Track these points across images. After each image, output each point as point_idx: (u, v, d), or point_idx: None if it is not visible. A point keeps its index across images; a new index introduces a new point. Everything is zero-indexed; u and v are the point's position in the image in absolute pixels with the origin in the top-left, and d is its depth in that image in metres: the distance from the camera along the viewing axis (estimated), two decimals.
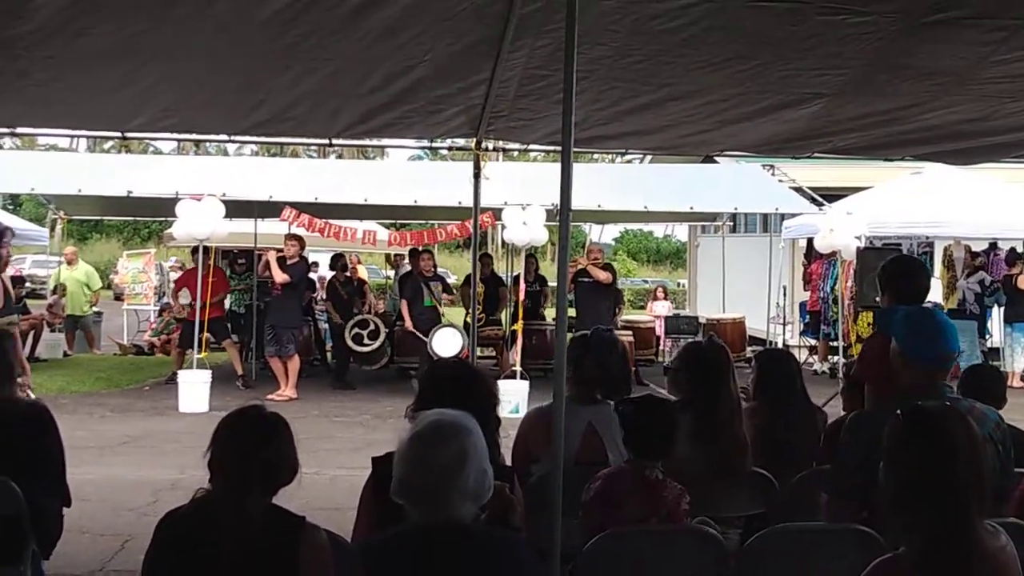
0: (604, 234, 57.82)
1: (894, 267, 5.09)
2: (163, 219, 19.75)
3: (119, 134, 6.87)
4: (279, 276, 13.83)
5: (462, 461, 2.95)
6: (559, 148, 7.04)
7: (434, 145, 7.16)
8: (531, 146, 7.18)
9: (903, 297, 4.84)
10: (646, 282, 53.49)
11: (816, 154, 7.10)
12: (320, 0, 4.44)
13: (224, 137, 7.05)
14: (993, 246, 17.89)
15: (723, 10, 4.53)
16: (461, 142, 7.09)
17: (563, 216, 3.93)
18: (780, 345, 17.81)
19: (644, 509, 4.02)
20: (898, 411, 2.96)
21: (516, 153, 11.09)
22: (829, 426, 5.30)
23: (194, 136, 7.77)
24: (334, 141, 7.09)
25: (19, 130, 7.06)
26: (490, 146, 7.23)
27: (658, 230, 62.01)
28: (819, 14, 4.55)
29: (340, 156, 23.17)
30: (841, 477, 3.95)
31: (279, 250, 14.03)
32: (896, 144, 6.72)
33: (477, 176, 7.44)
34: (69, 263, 19.53)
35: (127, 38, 4.78)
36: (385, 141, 7.24)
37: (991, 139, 6.42)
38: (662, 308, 20.65)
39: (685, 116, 6.08)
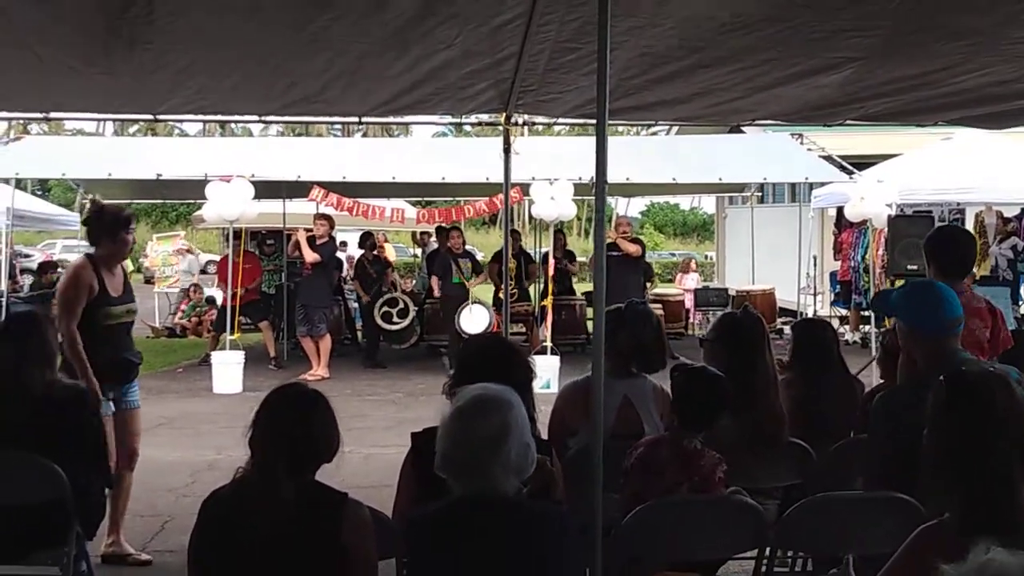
0: (631, 207, 57.93)
1: (937, 238, 5.07)
2: (192, 201, 19.89)
3: (151, 116, 6.92)
4: (309, 256, 13.90)
5: (504, 435, 2.98)
6: (588, 121, 7.09)
7: (462, 121, 7.14)
8: (559, 120, 7.15)
9: (947, 268, 4.84)
10: (673, 255, 53.39)
11: (847, 121, 7.04)
12: None
13: (255, 117, 7.07)
14: None
15: None
16: (489, 117, 7.06)
17: (599, 189, 3.93)
18: (811, 315, 17.72)
19: (679, 477, 4.03)
20: (941, 377, 2.96)
21: (541, 128, 11.06)
22: (865, 396, 5.29)
23: (224, 117, 7.78)
24: (363, 119, 7.11)
25: (52, 115, 7.11)
26: (520, 120, 7.20)
27: (684, 203, 61.87)
28: None
29: (365, 135, 23.19)
30: (872, 464, 4.04)
31: (308, 230, 14.08)
32: (928, 109, 6.66)
33: (507, 151, 7.41)
34: None
35: (159, 23, 4.80)
36: (412, 118, 7.22)
37: (1022, 102, 6.34)
38: (692, 281, 20.60)
39: (715, 83, 6.02)
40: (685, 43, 5.31)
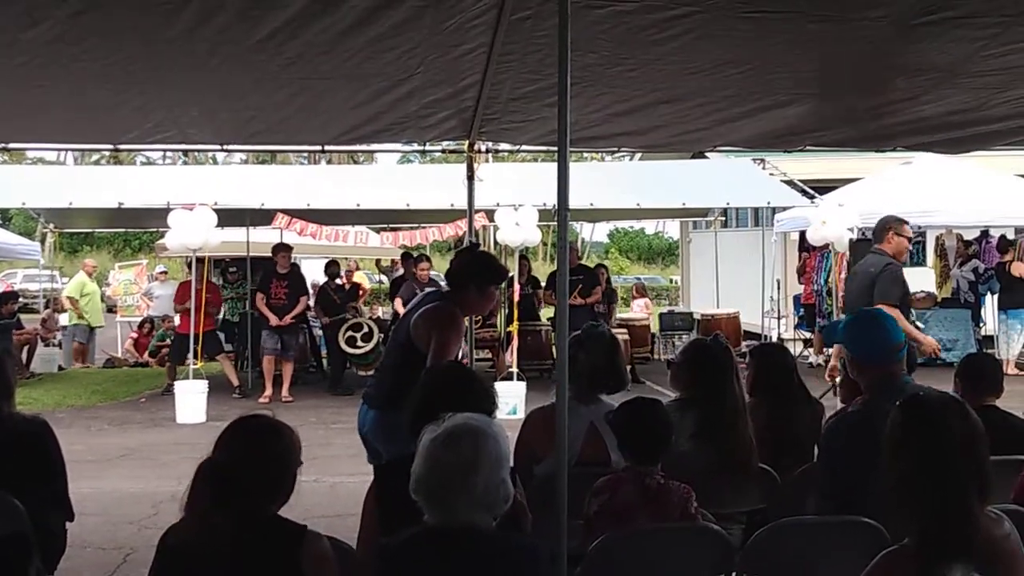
0: (595, 232, 58.16)
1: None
2: (155, 229, 19.77)
3: (111, 146, 6.90)
4: (273, 319, 14.24)
5: (473, 467, 2.95)
6: (552, 148, 7.13)
7: (426, 148, 7.14)
8: (523, 148, 7.19)
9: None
10: (639, 279, 53.61)
11: (808, 147, 7.14)
12: (310, 22, 4.45)
13: (216, 146, 7.07)
14: (985, 234, 17.93)
15: (715, 20, 4.55)
16: (453, 144, 7.09)
17: (561, 218, 3.95)
18: (775, 338, 17.83)
19: (654, 520, 4.01)
20: (897, 402, 3.01)
21: (506, 154, 11.09)
22: (827, 420, 5.32)
23: (186, 146, 7.76)
24: (326, 148, 7.10)
25: (11, 145, 7.07)
26: (483, 148, 7.22)
27: (649, 227, 62.14)
28: (810, 22, 4.58)
29: (330, 161, 23.20)
30: (823, 489, 4.12)
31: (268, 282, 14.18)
32: (888, 135, 6.76)
33: (471, 178, 7.43)
34: (89, 275, 19.59)
35: (119, 61, 4.82)
36: (376, 146, 7.22)
37: (982, 128, 6.46)
38: (639, 307, 20.62)
39: (677, 117, 6.11)
40: (646, 80, 5.37)
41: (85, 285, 19.25)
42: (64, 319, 19.67)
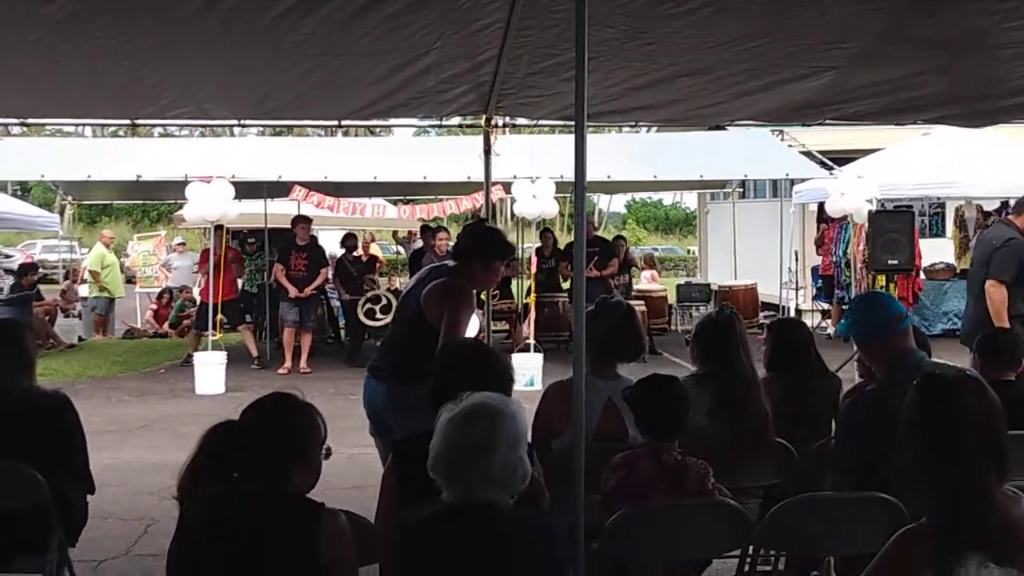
0: (613, 203, 58.00)
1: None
2: (173, 201, 19.82)
3: (128, 122, 6.92)
4: (292, 291, 14.26)
5: (488, 446, 2.96)
6: (569, 123, 7.10)
7: (443, 123, 7.12)
8: (540, 122, 7.17)
9: None
10: (656, 250, 53.51)
11: (828, 120, 7.09)
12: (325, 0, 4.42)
13: (233, 122, 7.08)
14: (1005, 204, 17.75)
15: None
16: (471, 119, 7.07)
17: (578, 195, 3.95)
18: (793, 310, 17.81)
19: (671, 497, 4.03)
20: (914, 382, 3.01)
21: (523, 128, 11.06)
22: (845, 394, 5.33)
23: (203, 122, 7.77)
24: (343, 123, 7.10)
25: (29, 120, 7.09)
26: (500, 122, 7.20)
27: (667, 198, 61.97)
28: None
29: (347, 133, 23.22)
30: (839, 468, 4.16)
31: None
32: (907, 109, 6.70)
33: (488, 152, 7.42)
34: (107, 246, 19.67)
35: (134, 39, 4.81)
36: (393, 120, 7.22)
37: (1003, 101, 6.39)
38: (646, 279, 20.53)
39: (695, 91, 6.08)
40: (664, 55, 5.34)
41: (105, 257, 19.34)
42: (84, 290, 19.78)
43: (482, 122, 7.14)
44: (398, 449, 3.95)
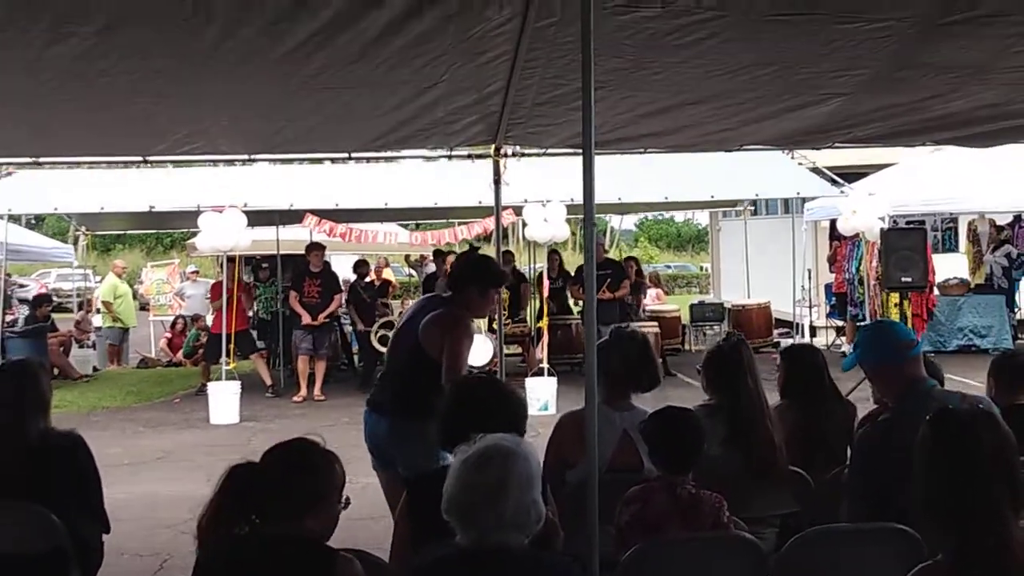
0: (624, 221, 57.99)
1: None
2: (186, 229, 19.90)
3: (141, 159, 6.98)
4: (306, 318, 14.33)
5: (503, 489, 2.96)
6: (578, 151, 7.12)
7: (453, 154, 7.16)
8: (548, 151, 7.20)
9: None
10: (668, 267, 53.47)
11: (836, 144, 7.10)
12: (336, 34, 4.45)
13: (244, 156, 7.12)
14: (1018, 219, 17.79)
15: (739, 24, 4.52)
16: (480, 149, 7.10)
17: (587, 225, 3.96)
18: (807, 327, 17.77)
19: (686, 531, 4.02)
20: (926, 413, 3.01)
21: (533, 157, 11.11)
22: (860, 420, 5.30)
23: (215, 157, 7.84)
24: (353, 155, 7.14)
25: (42, 159, 7.15)
26: (509, 151, 7.23)
27: (678, 215, 61.98)
28: (836, 23, 4.54)
29: (357, 160, 23.35)
30: (853, 499, 4.15)
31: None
32: (916, 131, 6.71)
33: (497, 183, 7.46)
34: (119, 276, 19.78)
35: (146, 76, 4.85)
36: (403, 152, 7.27)
37: (1011, 122, 6.38)
38: (650, 298, 20.46)
39: (704, 117, 6.09)
40: (671, 83, 5.36)
41: (117, 287, 19.43)
42: (97, 320, 19.86)
43: (491, 152, 7.17)
44: (412, 488, 3.95)
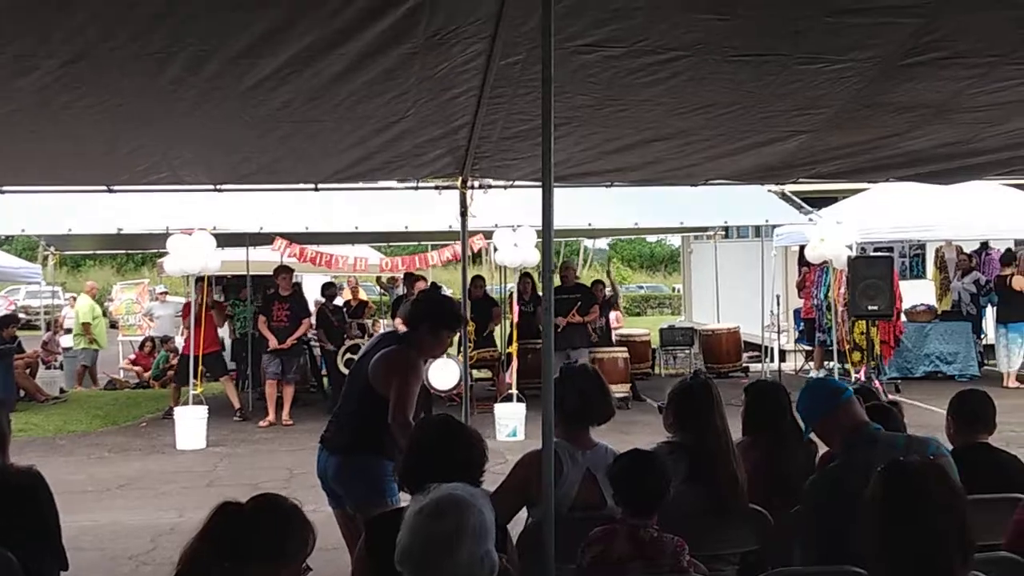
0: (597, 241, 58.16)
1: None
2: (155, 250, 19.82)
3: (105, 188, 6.96)
4: (273, 342, 14.24)
5: (457, 541, 2.94)
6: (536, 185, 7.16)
7: (419, 185, 7.17)
8: (515, 184, 7.23)
9: None
10: (641, 288, 53.59)
11: (800, 180, 7.16)
12: (300, 69, 4.47)
13: (210, 186, 7.10)
14: (985, 246, 17.94)
15: (702, 64, 4.57)
16: (446, 181, 7.13)
17: (545, 260, 3.97)
18: (776, 351, 17.85)
19: (646, 574, 4.02)
20: (879, 468, 3.04)
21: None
22: (821, 458, 5.32)
23: (180, 187, 7.81)
24: (319, 186, 7.14)
25: (5, 188, 7.10)
26: (476, 184, 7.26)
27: (651, 235, 62.22)
28: (796, 64, 4.60)
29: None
30: (808, 532, 4.18)
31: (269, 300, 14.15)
32: (878, 168, 6.78)
33: (464, 214, 7.48)
34: (93, 297, 19.68)
35: (109, 109, 4.84)
36: (369, 184, 7.27)
37: (973, 159, 6.47)
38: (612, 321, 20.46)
39: (668, 154, 6.14)
40: (637, 120, 5.41)
41: (94, 308, 19.38)
42: (66, 341, 19.72)
43: (458, 184, 7.19)
44: (370, 529, 3.93)
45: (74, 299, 22.94)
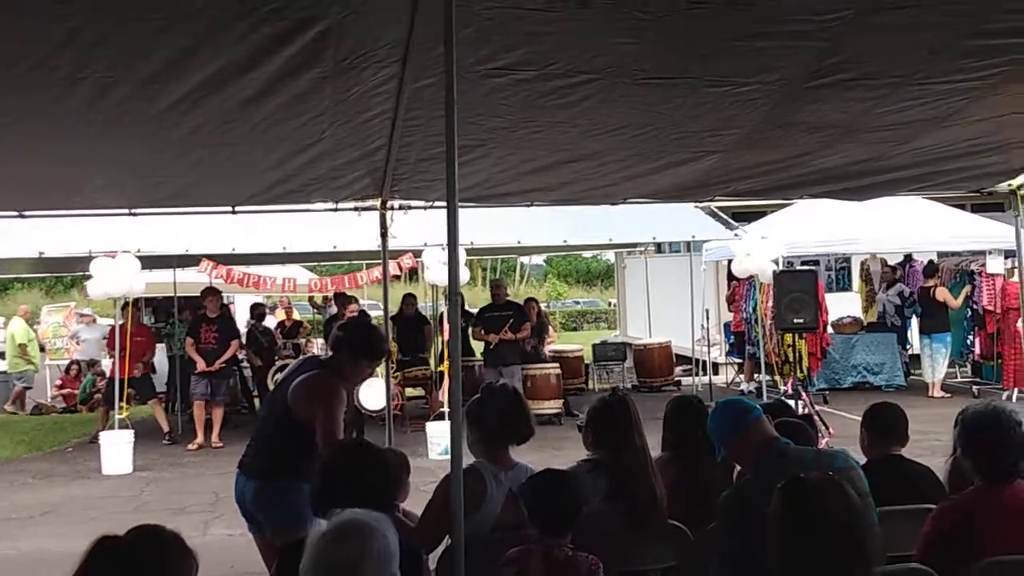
0: (534, 257, 58.39)
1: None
2: (82, 272, 19.53)
3: (16, 214, 6.85)
4: (201, 365, 14.10)
5: (358, 563, 2.95)
6: (466, 205, 7.18)
7: (338, 208, 7.15)
8: (435, 204, 7.23)
9: None
10: (577, 303, 53.76)
11: (717, 198, 7.26)
12: (211, 93, 4.45)
13: (125, 211, 7.02)
14: (908, 258, 18.26)
15: (613, 87, 4.62)
16: (366, 203, 7.11)
17: (451, 295, 3.99)
18: (709, 364, 18.02)
19: None
20: (779, 485, 3.09)
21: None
22: (738, 474, 5.37)
23: (94, 212, 7.70)
24: (237, 210, 7.08)
25: None
26: (396, 205, 7.25)
27: (587, 251, 62.56)
28: (705, 87, 4.67)
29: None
30: (720, 558, 4.18)
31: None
32: (793, 185, 6.89)
33: (384, 235, 7.48)
34: (26, 319, 19.41)
35: (17, 133, 4.77)
36: (288, 206, 7.22)
37: (884, 176, 6.60)
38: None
39: (585, 174, 6.20)
40: (552, 142, 5.45)
41: (28, 331, 19.17)
42: (2, 365, 19.45)
43: (378, 205, 7.18)
44: (283, 555, 3.91)
45: (5, 322, 22.60)
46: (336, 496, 3.73)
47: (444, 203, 7.28)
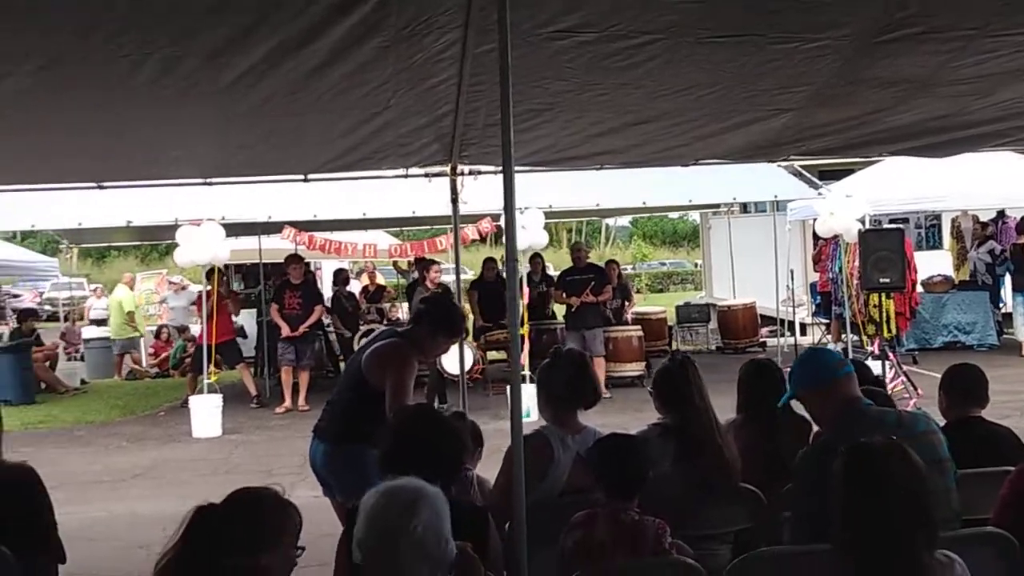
0: (619, 219, 58.14)
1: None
2: (170, 240, 20.01)
3: (95, 185, 7.00)
4: (285, 330, 14.35)
5: (411, 510, 2.98)
6: (536, 169, 7.18)
7: (409, 174, 7.19)
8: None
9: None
10: (663, 264, 53.40)
11: (792, 157, 7.13)
12: (275, 66, 4.47)
13: (200, 180, 7.15)
14: (1001, 214, 17.79)
15: (678, 46, 4.55)
16: (436, 168, 7.13)
17: (509, 246, 3.98)
18: (797, 324, 17.79)
19: (628, 557, 4.04)
20: (842, 448, 3.04)
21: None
22: (815, 435, 5.31)
23: (170, 182, 7.85)
24: (309, 177, 7.17)
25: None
26: (466, 170, 7.26)
27: (669, 212, 62.05)
28: (772, 44, 4.57)
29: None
30: (797, 518, 4.11)
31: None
32: (870, 143, 6.73)
33: (455, 201, 7.51)
34: (130, 286, 19.97)
35: (88, 109, 4.87)
36: (359, 172, 7.30)
37: (965, 132, 6.40)
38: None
39: (654, 136, 6.13)
40: (618, 104, 5.40)
41: (133, 298, 19.79)
42: (87, 332, 19.93)
43: (448, 171, 7.19)
44: (350, 516, 3.97)
45: (99, 290, 23.19)
46: (402, 460, 3.77)
47: (516, 168, 7.36)
